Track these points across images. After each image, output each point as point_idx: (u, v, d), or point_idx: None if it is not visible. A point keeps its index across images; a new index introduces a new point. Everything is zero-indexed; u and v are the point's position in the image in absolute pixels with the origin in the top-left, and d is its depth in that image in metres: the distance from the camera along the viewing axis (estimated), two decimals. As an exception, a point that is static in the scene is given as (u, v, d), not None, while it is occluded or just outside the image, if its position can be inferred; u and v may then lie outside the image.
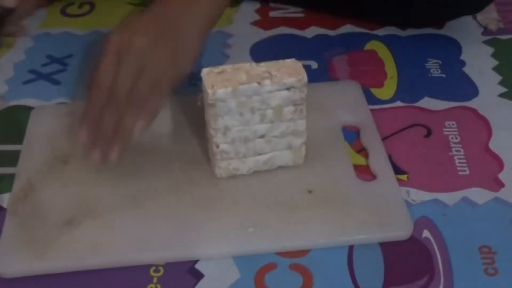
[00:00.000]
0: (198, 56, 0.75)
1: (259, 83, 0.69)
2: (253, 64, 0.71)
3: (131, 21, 0.73)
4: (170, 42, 0.72)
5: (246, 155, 0.73)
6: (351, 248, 0.70)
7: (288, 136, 0.73)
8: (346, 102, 0.85)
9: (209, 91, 0.68)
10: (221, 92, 0.68)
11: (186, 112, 0.83)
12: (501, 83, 0.91)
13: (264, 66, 0.71)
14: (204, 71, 0.71)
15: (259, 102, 0.70)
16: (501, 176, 0.77)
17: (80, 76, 0.93)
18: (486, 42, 0.99)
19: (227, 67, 0.71)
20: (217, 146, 0.72)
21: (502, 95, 0.89)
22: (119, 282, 0.67)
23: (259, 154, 0.74)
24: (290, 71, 0.70)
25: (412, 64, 0.95)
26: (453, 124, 0.84)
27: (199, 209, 0.72)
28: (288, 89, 0.70)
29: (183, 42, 0.73)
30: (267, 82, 0.69)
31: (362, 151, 0.80)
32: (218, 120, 0.70)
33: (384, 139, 0.81)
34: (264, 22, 1.04)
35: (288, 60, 0.72)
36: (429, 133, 0.83)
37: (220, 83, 0.69)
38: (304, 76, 0.70)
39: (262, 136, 0.72)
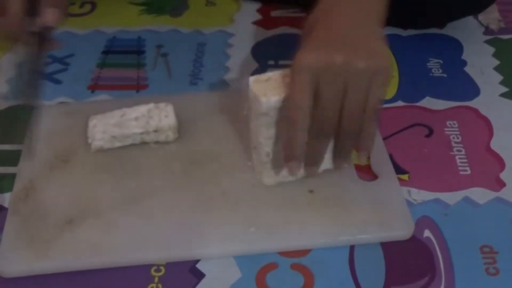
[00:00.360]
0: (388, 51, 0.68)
1: None
2: None
3: (312, 37, 0.66)
4: (362, 51, 0.64)
5: None
6: (352, 247, 0.70)
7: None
8: (347, 101, 0.85)
9: (263, 99, 0.66)
10: (274, 100, 0.67)
11: (186, 111, 0.83)
12: (502, 82, 0.91)
13: None
14: (251, 79, 0.68)
15: None
16: (503, 175, 0.77)
17: (81, 76, 0.93)
18: (488, 42, 0.99)
19: (273, 74, 0.69)
20: (268, 155, 0.71)
21: (503, 95, 0.89)
22: (120, 282, 0.67)
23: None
24: None
25: (413, 64, 0.95)
26: (454, 124, 0.84)
27: (200, 208, 0.72)
28: None
29: (373, 45, 0.65)
30: None
31: (363, 150, 0.80)
32: (269, 128, 0.69)
33: (385, 138, 0.81)
34: (266, 22, 1.04)
35: None
36: (430, 132, 0.83)
37: (271, 91, 0.67)
38: None
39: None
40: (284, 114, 0.68)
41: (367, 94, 0.64)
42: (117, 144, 0.78)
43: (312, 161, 0.70)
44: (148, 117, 0.78)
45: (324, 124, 0.66)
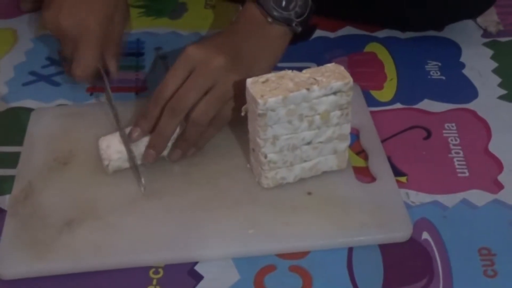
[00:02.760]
0: None
1: (308, 89, 0.68)
2: (295, 71, 0.71)
3: (210, 39, 0.77)
4: (244, 68, 0.74)
5: (293, 163, 0.73)
6: (350, 249, 0.70)
7: (333, 141, 0.73)
8: (345, 104, 0.85)
9: (260, 100, 0.67)
10: (272, 101, 0.67)
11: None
12: (500, 85, 0.91)
13: (307, 73, 0.70)
14: (249, 81, 0.70)
15: (307, 109, 0.69)
16: (501, 178, 0.77)
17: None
18: (486, 44, 0.99)
19: (270, 76, 0.70)
20: (265, 157, 0.71)
21: (501, 97, 0.89)
22: (118, 284, 0.67)
23: (305, 161, 0.73)
24: (334, 75, 0.70)
25: (411, 66, 0.95)
26: (452, 126, 0.84)
27: (199, 210, 0.72)
28: (335, 93, 0.69)
29: (255, 70, 0.74)
30: (315, 87, 0.68)
31: (361, 153, 0.80)
32: (267, 130, 0.69)
33: (383, 141, 0.81)
34: (264, 24, 1.04)
35: (329, 65, 0.72)
36: (428, 135, 0.83)
37: (268, 92, 0.68)
38: (350, 79, 0.70)
39: (309, 143, 0.72)
40: (281, 115, 0.68)
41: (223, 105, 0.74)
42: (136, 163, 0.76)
43: (159, 139, 0.74)
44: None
45: (180, 102, 0.72)
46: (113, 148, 0.75)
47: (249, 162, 0.76)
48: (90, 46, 0.80)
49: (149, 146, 0.75)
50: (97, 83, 0.86)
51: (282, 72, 0.70)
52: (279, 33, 0.78)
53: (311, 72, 0.70)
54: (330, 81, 0.69)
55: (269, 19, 0.77)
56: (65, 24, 0.80)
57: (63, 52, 0.84)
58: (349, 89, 0.70)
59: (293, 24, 0.77)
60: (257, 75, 0.70)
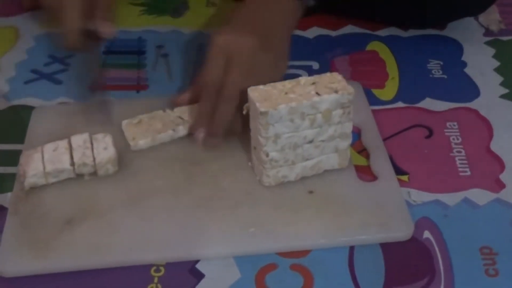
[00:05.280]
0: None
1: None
2: (299, 78, 0.72)
3: (232, 22, 0.78)
4: (272, 46, 0.76)
5: (294, 162, 0.73)
6: (351, 248, 0.70)
7: (335, 140, 0.73)
8: (347, 102, 0.85)
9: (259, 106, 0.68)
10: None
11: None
12: (502, 84, 0.91)
13: (310, 79, 0.71)
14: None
15: (309, 107, 0.69)
16: (502, 177, 0.77)
17: (82, 76, 0.93)
18: (488, 43, 0.99)
19: (143, 117, 0.76)
20: (267, 155, 0.71)
21: (503, 96, 0.89)
22: (119, 282, 0.67)
23: (307, 159, 0.73)
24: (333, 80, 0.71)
25: (413, 65, 0.95)
26: (454, 125, 0.84)
27: (200, 209, 0.72)
28: (336, 92, 0.69)
29: (281, 45, 0.77)
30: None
31: (363, 151, 0.80)
32: (269, 128, 0.69)
33: (385, 139, 0.81)
34: (266, 23, 1.04)
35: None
36: (430, 134, 0.83)
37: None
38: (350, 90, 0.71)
39: (310, 141, 0.72)
40: (283, 114, 0.68)
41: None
42: (52, 180, 0.74)
43: (217, 127, 0.76)
44: (85, 148, 0.75)
45: (233, 89, 0.73)
46: (32, 164, 0.74)
47: (251, 160, 0.76)
48: (68, 10, 0.78)
49: (209, 135, 0.76)
50: (91, 48, 0.84)
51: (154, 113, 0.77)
52: (294, 6, 0.80)
53: (313, 79, 0.71)
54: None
55: None
56: None
57: (50, 20, 0.84)
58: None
59: None
60: (278, 50, 0.76)
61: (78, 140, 0.76)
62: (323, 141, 0.72)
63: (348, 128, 0.73)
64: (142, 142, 0.77)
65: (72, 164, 0.74)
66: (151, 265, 0.68)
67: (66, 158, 0.74)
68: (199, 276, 0.68)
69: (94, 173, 0.75)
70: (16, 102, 0.89)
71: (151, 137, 0.77)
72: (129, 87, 0.91)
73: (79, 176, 0.75)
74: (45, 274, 0.67)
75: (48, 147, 0.76)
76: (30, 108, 0.87)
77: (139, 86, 0.91)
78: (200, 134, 0.76)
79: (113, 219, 0.71)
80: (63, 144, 0.76)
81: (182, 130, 0.79)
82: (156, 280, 0.67)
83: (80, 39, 0.80)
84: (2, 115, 0.87)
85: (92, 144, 0.76)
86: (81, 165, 0.74)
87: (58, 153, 0.75)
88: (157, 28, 1.02)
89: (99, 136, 0.77)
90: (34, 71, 0.94)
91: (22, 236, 0.70)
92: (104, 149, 0.75)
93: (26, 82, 0.92)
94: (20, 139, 0.82)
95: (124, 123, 0.78)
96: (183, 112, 0.80)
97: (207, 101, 0.75)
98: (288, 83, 0.70)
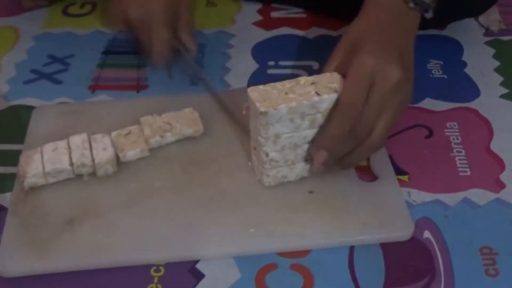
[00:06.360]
0: None
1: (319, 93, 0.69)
2: (299, 78, 0.71)
3: (371, 40, 0.70)
4: (411, 75, 0.70)
5: (294, 162, 0.72)
6: (352, 248, 0.70)
7: None
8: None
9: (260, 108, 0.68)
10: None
11: (188, 112, 0.83)
12: (502, 84, 0.91)
13: (309, 79, 0.71)
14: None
15: (309, 107, 0.69)
16: (502, 177, 0.77)
17: (82, 76, 0.93)
18: (488, 43, 0.99)
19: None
20: (267, 155, 0.71)
21: (503, 96, 0.89)
22: (119, 282, 0.67)
23: (307, 159, 0.73)
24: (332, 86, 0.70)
25: (413, 65, 0.94)
26: (454, 125, 0.84)
27: (200, 209, 0.72)
28: (336, 91, 0.69)
29: (412, 70, 0.70)
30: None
31: (363, 151, 0.80)
32: (269, 128, 0.69)
33: (385, 139, 0.81)
34: (266, 23, 1.04)
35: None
36: (430, 134, 0.83)
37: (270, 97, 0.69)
38: None
39: (310, 141, 0.72)
40: (283, 114, 0.68)
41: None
42: (51, 180, 0.74)
43: (347, 163, 0.71)
44: (83, 148, 0.75)
45: (366, 127, 0.67)
46: (32, 164, 0.74)
47: (250, 161, 0.76)
48: (157, 31, 0.86)
49: (318, 162, 0.70)
50: (179, 63, 0.90)
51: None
52: (416, 20, 0.74)
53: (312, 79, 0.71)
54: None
55: (411, 4, 0.73)
56: (133, 14, 0.87)
57: (139, 45, 0.90)
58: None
59: (429, 9, 0.74)
60: (412, 78, 0.70)
61: (77, 140, 0.76)
62: None
63: None
64: (131, 153, 0.76)
65: (71, 164, 0.74)
66: (151, 265, 0.68)
67: (65, 159, 0.74)
68: (199, 276, 0.67)
69: (93, 173, 0.75)
70: (16, 102, 0.89)
71: (139, 148, 0.77)
72: (129, 87, 0.91)
73: (79, 176, 0.75)
74: (45, 274, 0.67)
75: (48, 147, 0.76)
76: (30, 108, 0.87)
77: (139, 86, 0.91)
78: (322, 158, 0.69)
79: (113, 219, 0.71)
80: (62, 144, 0.76)
81: (169, 137, 0.78)
82: (156, 280, 0.67)
83: (169, 54, 0.88)
84: (2, 115, 0.87)
85: (90, 144, 0.76)
86: (80, 166, 0.74)
87: (57, 153, 0.75)
88: (157, 28, 1.02)
89: (98, 136, 0.77)
90: (34, 71, 0.94)
91: (22, 236, 0.70)
92: (103, 149, 0.75)
93: (26, 82, 0.92)
94: (20, 139, 0.82)
95: (114, 134, 0.78)
96: (171, 118, 0.80)
97: (344, 124, 0.67)
98: (287, 83, 0.70)
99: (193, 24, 0.92)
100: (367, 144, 0.69)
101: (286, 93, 0.69)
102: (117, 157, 0.76)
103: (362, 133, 0.68)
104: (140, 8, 0.87)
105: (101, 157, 0.75)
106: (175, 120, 0.80)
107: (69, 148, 0.75)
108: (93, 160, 0.74)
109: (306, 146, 0.72)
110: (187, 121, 0.80)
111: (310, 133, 0.71)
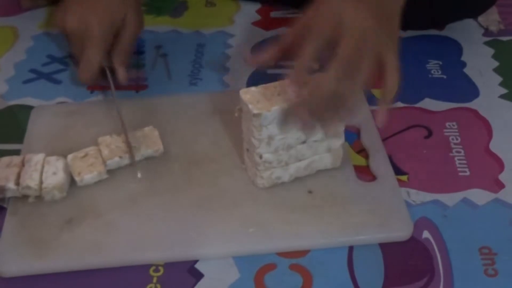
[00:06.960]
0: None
1: None
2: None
3: None
4: (386, 26, 0.69)
5: (288, 163, 0.72)
6: (351, 248, 0.70)
7: (328, 139, 0.73)
8: (346, 102, 0.85)
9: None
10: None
11: (186, 111, 0.83)
12: (501, 84, 0.91)
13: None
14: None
15: None
16: (502, 177, 0.77)
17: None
18: (487, 43, 0.99)
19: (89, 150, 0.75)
20: (261, 157, 0.71)
21: (502, 96, 0.89)
22: (118, 282, 0.67)
23: (300, 160, 0.73)
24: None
25: (412, 65, 0.95)
26: (453, 125, 0.84)
27: (199, 209, 0.72)
28: None
29: (393, 26, 0.70)
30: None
31: (362, 151, 0.80)
32: (262, 130, 0.69)
33: (384, 139, 0.81)
34: (265, 23, 1.04)
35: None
36: (429, 134, 0.83)
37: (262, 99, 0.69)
38: None
39: (303, 142, 0.72)
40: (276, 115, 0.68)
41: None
42: None
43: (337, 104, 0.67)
44: (34, 170, 0.73)
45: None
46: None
47: (244, 162, 0.76)
48: (92, 47, 0.82)
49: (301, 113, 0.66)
50: (102, 83, 0.86)
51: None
52: None
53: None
54: None
55: None
56: (69, 26, 0.83)
57: (72, 53, 0.87)
58: None
59: None
60: (397, 25, 0.70)
61: (31, 160, 0.74)
62: (316, 141, 0.72)
63: (340, 127, 0.73)
64: (88, 177, 0.73)
65: (17, 184, 0.72)
66: (150, 265, 0.68)
67: (13, 178, 0.72)
68: (198, 276, 0.67)
69: (39, 197, 0.72)
70: (14, 102, 0.89)
71: (96, 171, 0.74)
72: (128, 87, 0.91)
73: (25, 197, 0.72)
74: (45, 274, 0.67)
75: (3, 161, 0.74)
76: (29, 108, 0.87)
77: (138, 86, 0.91)
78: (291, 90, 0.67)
79: (112, 219, 0.71)
80: (17, 160, 0.74)
81: (127, 159, 0.76)
82: (155, 280, 0.67)
83: (96, 75, 0.84)
84: (1, 115, 0.87)
85: (43, 167, 0.73)
86: (25, 188, 0.72)
87: (8, 170, 0.72)
88: (156, 28, 1.02)
89: (52, 159, 0.74)
90: (32, 71, 0.94)
91: (21, 236, 0.69)
92: (53, 173, 0.72)
93: (25, 82, 0.92)
94: (19, 139, 0.81)
95: (70, 157, 0.75)
96: (130, 137, 0.77)
97: (313, 43, 0.68)
98: (280, 84, 0.70)
99: (132, 49, 0.88)
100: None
101: (278, 94, 0.69)
102: (74, 181, 0.74)
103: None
104: (77, 21, 0.83)
105: (49, 182, 0.72)
106: (134, 140, 0.77)
107: (23, 166, 0.73)
108: (41, 183, 0.72)
109: (299, 147, 0.72)
110: (146, 141, 0.77)
111: (303, 134, 0.71)
